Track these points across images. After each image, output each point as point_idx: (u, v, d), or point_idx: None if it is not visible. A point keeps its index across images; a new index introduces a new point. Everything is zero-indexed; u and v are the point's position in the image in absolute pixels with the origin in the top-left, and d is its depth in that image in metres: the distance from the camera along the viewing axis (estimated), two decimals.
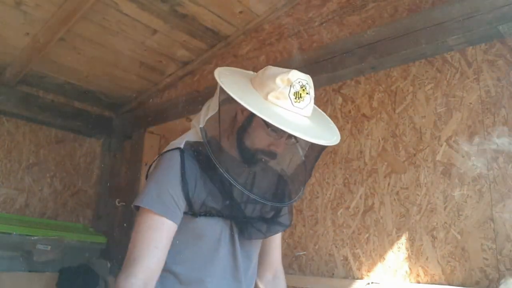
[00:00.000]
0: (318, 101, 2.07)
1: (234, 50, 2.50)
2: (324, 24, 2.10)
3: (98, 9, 2.10)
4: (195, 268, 1.14)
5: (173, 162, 1.11)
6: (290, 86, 1.04)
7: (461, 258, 1.49)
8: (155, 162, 1.19)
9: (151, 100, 3.00)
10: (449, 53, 1.67)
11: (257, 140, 1.11)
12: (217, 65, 2.59)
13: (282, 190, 1.23)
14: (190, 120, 2.77)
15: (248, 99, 1.01)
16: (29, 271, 2.32)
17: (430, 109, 1.68)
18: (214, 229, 1.14)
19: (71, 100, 2.98)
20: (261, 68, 2.39)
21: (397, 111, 1.78)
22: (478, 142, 1.53)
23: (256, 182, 1.20)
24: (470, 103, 1.58)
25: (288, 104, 1.04)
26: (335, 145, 1.95)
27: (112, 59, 2.56)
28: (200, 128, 1.11)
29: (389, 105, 1.81)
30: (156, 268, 1.04)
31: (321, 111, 1.27)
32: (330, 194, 1.92)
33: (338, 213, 1.87)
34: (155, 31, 2.34)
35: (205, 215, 1.11)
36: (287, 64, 2.10)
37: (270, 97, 1.05)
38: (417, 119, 1.71)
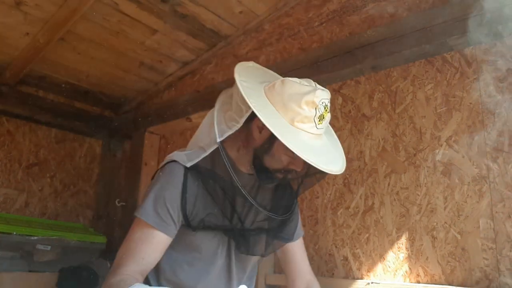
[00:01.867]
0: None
1: (234, 50, 2.50)
2: (324, 24, 2.10)
3: (98, 9, 2.10)
4: (189, 278, 1.17)
5: (175, 177, 1.11)
6: (316, 109, 1.04)
7: (461, 258, 1.49)
8: (158, 171, 1.18)
9: (151, 100, 3.01)
10: (449, 53, 1.67)
11: (279, 163, 1.11)
12: (217, 65, 2.59)
13: (285, 203, 1.24)
14: (190, 120, 2.78)
15: (282, 131, 1.00)
16: (29, 271, 2.32)
17: (430, 109, 1.68)
18: (212, 242, 1.16)
19: (71, 100, 2.98)
20: None
21: (397, 111, 1.78)
22: (478, 142, 1.53)
23: (260, 194, 1.20)
24: (470, 103, 1.58)
25: (312, 127, 1.05)
26: None
27: (112, 59, 2.56)
28: (218, 142, 1.08)
29: (389, 105, 1.81)
30: (144, 272, 1.06)
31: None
32: (330, 194, 1.92)
33: (338, 213, 1.87)
34: (155, 31, 2.33)
35: (203, 229, 1.13)
36: (287, 64, 2.11)
37: (296, 123, 1.04)
38: (417, 119, 1.71)
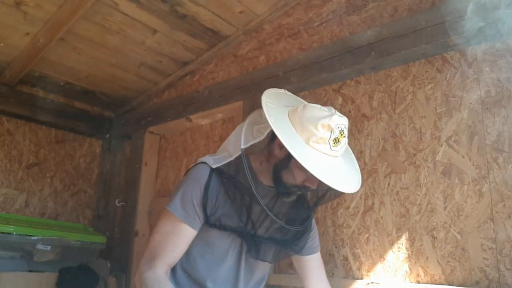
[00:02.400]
0: (318, 101, 2.07)
1: (234, 50, 2.50)
2: (324, 24, 2.10)
3: (98, 9, 2.10)
4: (201, 269, 1.29)
5: (201, 176, 1.24)
6: (331, 132, 1.12)
7: (461, 258, 1.49)
8: (188, 171, 1.31)
9: (151, 100, 3.01)
10: (449, 53, 1.67)
11: (295, 179, 1.20)
12: (217, 65, 2.59)
13: (299, 217, 1.31)
14: (190, 120, 2.78)
15: (295, 147, 1.09)
16: (29, 271, 2.32)
17: (430, 109, 1.68)
18: (225, 242, 1.28)
19: (71, 100, 2.98)
20: (261, 68, 2.41)
21: (397, 111, 1.78)
22: (478, 142, 1.53)
23: (277, 205, 1.29)
24: (470, 103, 1.58)
25: (326, 148, 1.13)
26: None
27: (112, 59, 2.56)
28: (242, 148, 1.19)
29: (389, 105, 1.81)
30: (172, 264, 1.21)
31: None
32: None
33: (338, 213, 1.87)
34: (155, 31, 2.34)
35: (218, 228, 1.24)
36: (287, 64, 2.11)
37: (311, 142, 1.12)
38: (417, 119, 1.71)
